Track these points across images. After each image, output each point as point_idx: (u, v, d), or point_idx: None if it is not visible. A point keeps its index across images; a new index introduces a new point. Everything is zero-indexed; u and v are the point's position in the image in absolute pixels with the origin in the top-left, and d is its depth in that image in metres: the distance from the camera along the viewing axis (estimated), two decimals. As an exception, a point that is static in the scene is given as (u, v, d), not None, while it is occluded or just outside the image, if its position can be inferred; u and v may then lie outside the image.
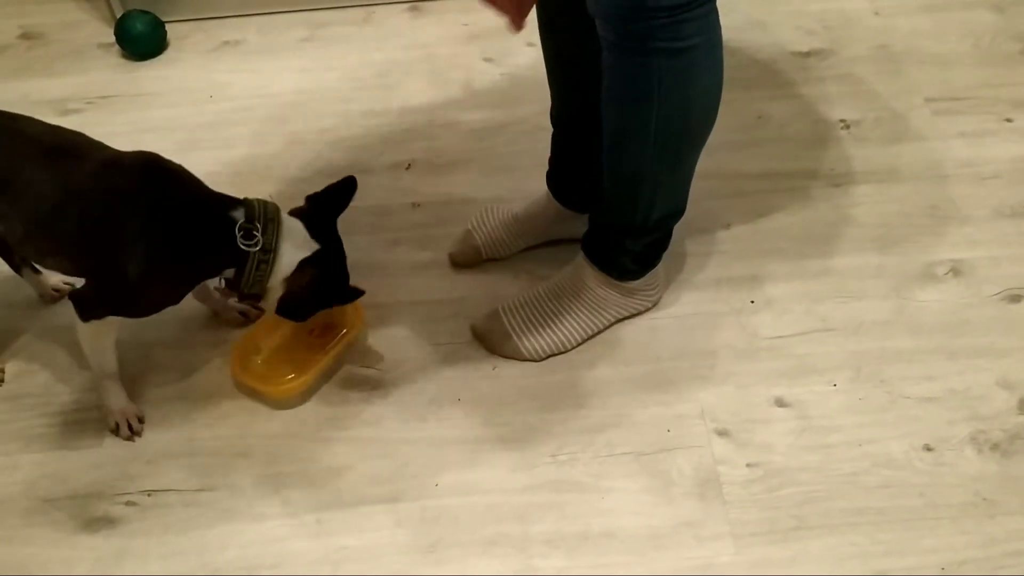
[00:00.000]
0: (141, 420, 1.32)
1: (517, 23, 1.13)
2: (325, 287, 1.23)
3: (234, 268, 1.18)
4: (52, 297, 1.47)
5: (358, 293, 1.25)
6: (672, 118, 1.14)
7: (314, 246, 1.21)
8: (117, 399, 1.31)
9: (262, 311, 1.40)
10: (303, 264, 1.20)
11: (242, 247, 1.16)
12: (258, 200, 1.20)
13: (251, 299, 1.27)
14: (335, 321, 1.35)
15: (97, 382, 1.31)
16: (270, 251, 1.18)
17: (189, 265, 1.20)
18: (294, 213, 1.23)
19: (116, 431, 1.31)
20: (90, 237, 1.15)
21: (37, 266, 1.41)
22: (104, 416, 1.31)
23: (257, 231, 1.17)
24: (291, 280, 1.20)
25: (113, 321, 1.23)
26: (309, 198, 1.25)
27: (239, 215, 1.17)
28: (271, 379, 1.32)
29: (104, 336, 1.27)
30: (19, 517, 1.24)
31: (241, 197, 1.20)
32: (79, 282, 1.23)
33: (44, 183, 1.16)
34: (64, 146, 1.20)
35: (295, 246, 1.20)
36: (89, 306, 1.22)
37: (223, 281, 1.21)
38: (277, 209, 1.21)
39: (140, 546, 1.21)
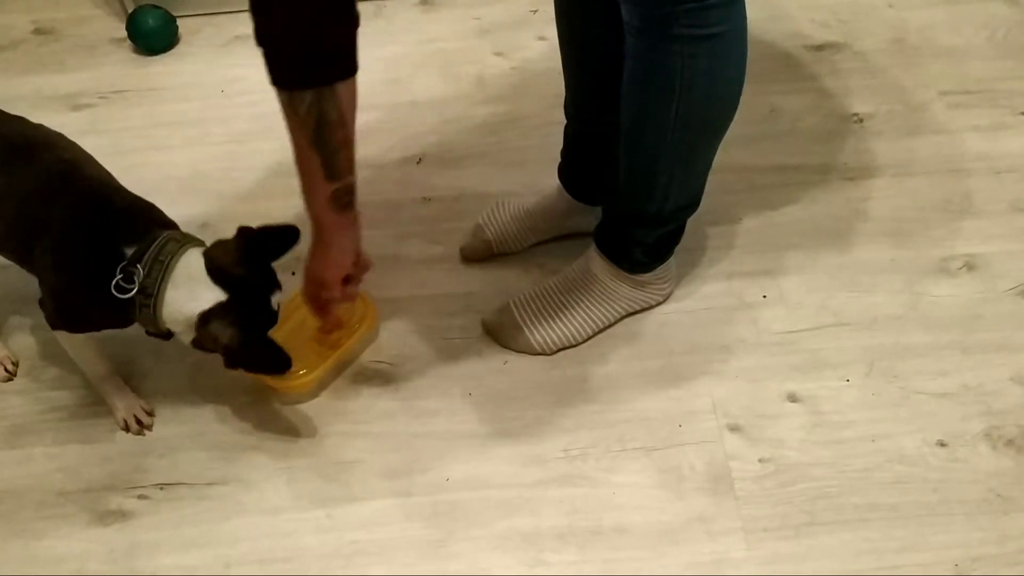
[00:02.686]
0: (150, 413, 1.32)
1: None
2: (242, 347, 1.10)
3: None
4: None
5: (284, 364, 1.11)
6: (693, 107, 1.13)
7: (218, 296, 1.08)
8: (120, 397, 1.31)
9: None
10: (206, 315, 1.08)
11: (116, 289, 1.08)
12: (166, 236, 1.11)
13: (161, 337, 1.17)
14: (346, 316, 1.35)
15: (94, 386, 1.32)
16: (152, 295, 1.08)
17: (87, 297, 1.13)
18: (211, 252, 1.11)
19: (126, 428, 1.31)
20: (16, 241, 1.17)
21: None
22: (113, 414, 1.32)
23: (137, 274, 1.08)
24: (200, 334, 1.09)
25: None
26: (240, 233, 1.13)
27: (130, 251, 1.09)
28: (279, 376, 1.32)
29: (80, 344, 1.26)
30: (32, 510, 1.24)
31: (167, 224, 1.17)
32: None
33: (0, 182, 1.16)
34: (24, 145, 1.18)
35: (187, 294, 1.08)
36: (46, 314, 1.21)
37: None
38: (178, 249, 1.10)
39: (153, 539, 1.21)
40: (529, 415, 1.31)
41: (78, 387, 1.36)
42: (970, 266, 1.47)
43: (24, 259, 1.19)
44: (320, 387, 1.35)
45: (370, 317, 1.38)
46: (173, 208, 1.23)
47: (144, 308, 1.10)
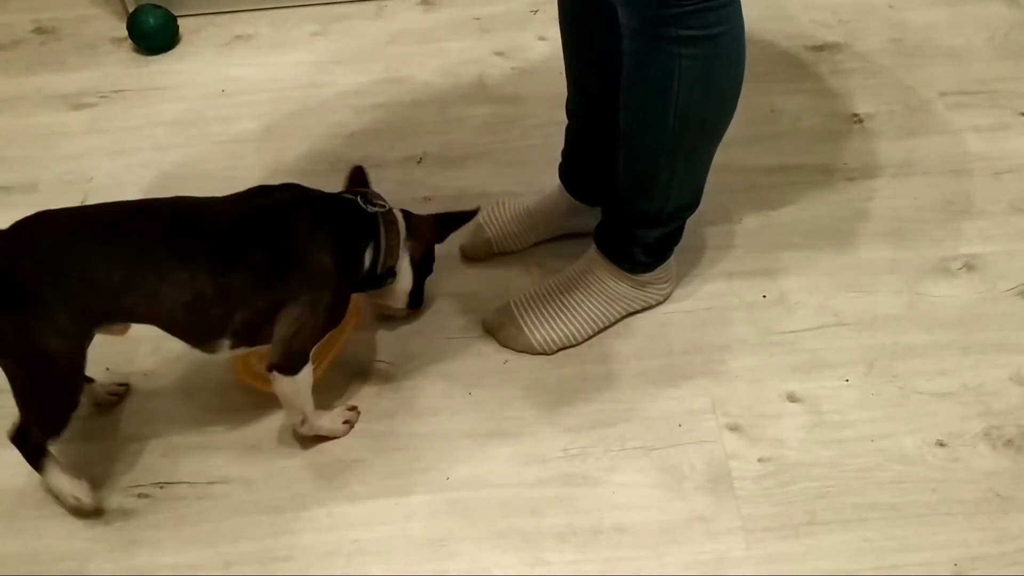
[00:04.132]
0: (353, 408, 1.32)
1: None
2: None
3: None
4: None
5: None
6: (691, 109, 1.13)
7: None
8: (337, 414, 1.31)
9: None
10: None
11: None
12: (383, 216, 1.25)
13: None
14: None
15: (310, 419, 1.27)
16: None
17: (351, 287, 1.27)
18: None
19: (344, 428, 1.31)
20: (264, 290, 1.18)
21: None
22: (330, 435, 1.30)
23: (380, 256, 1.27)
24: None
25: None
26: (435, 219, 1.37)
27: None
28: None
29: (308, 378, 1.24)
30: (33, 508, 1.24)
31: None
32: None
33: None
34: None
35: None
36: (297, 356, 1.22)
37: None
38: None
39: (153, 538, 1.21)
40: (529, 414, 1.31)
41: (79, 386, 1.36)
42: (970, 266, 1.47)
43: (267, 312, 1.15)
44: (317, 386, 1.35)
45: (355, 315, 1.38)
46: (174, 207, 1.23)
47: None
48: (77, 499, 1.21)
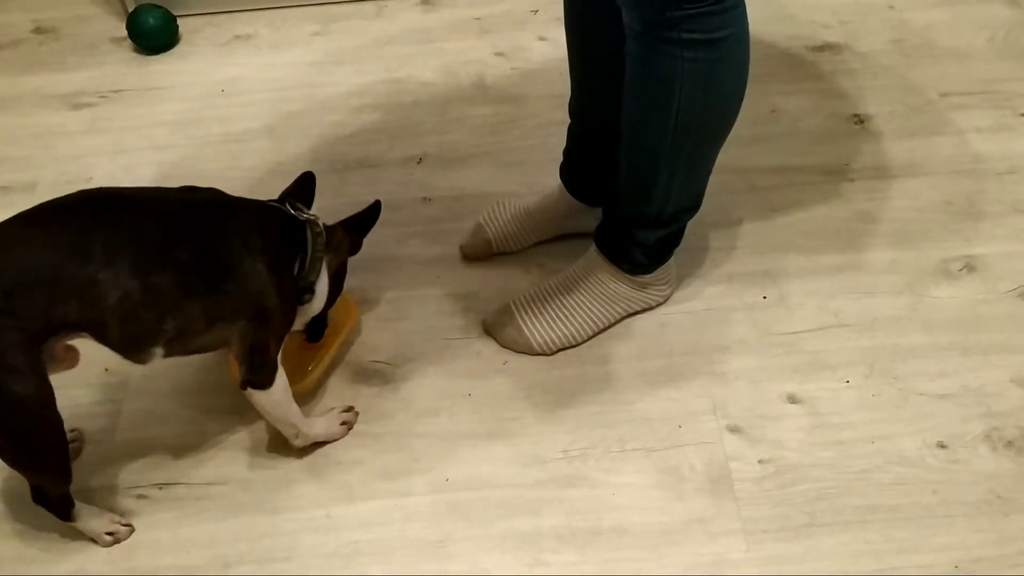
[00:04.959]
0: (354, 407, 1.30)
1: None
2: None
3: None
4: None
5: None
6: (694, 112, 1.13)
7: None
8: (331, 418, 1.30)
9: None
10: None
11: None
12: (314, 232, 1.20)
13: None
14: (328, 317, 1.35)
15: (304, 429, 1.25)
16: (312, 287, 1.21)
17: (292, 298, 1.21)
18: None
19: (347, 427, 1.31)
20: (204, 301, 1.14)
21: None
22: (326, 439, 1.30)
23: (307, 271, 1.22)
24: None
25: None
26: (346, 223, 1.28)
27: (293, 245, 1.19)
28: None
29: (285, 389, 1.21)
30: (31, 509, 1.23)
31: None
32: None
33: None
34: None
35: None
36: (265, 367, 1.19)
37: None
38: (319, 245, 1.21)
39: (152, 539, 1.21)
40: (529, 415, 1.31)
41: (77, 386, 1.36)
42: (970, 267, 1.47)
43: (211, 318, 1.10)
44: (314, 390, 1.35)
45: (352, 317, 1.38)
46: (173, 207, 1.23)
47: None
48: (112, 534, 1.20)
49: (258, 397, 1.17)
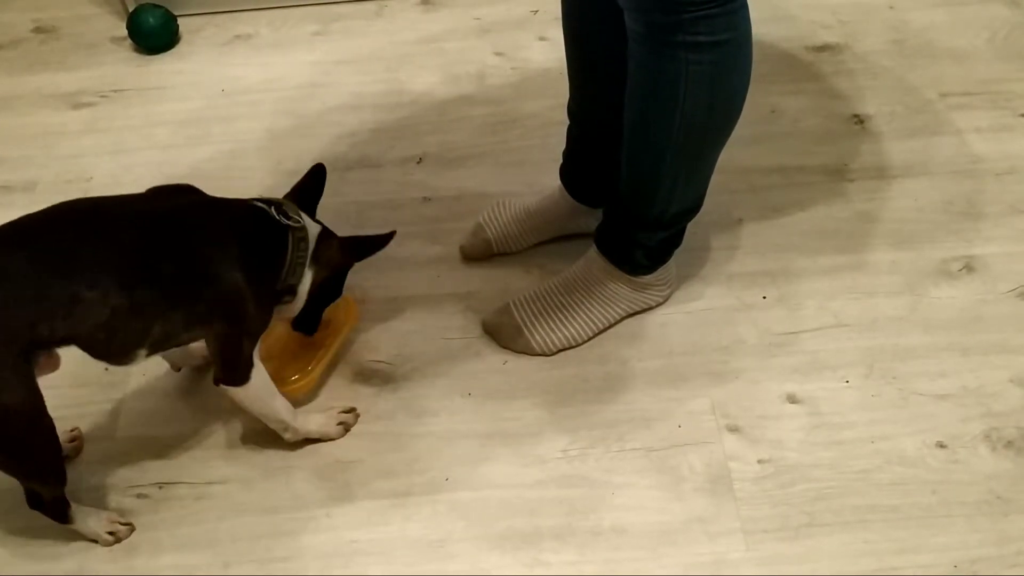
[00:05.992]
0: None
1: None
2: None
3: None
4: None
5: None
6: (696, 114, 1.13)
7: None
8: (330, 417, 1.30)
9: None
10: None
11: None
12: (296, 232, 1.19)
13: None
14: (329, 317, 1.35)
15: (294, 426, 1.26)
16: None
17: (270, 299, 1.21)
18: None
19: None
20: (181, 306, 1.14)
21: None
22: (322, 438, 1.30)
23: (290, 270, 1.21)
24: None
25: None
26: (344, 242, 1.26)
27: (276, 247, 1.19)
28: (276, 381, 1.31)
29: (266, 382, 1.21)
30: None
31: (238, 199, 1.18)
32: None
33: None
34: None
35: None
36: (240, 365, 1.19)
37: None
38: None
39: (152, 538, 1.21)
40: (529, 415, 1.31)
41: (77, 386, 1.36)
42: (970, 268, 1.47)
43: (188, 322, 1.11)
44: (314, 390, 1.35)
45: (352, 316, 1.38)
46: (173, 207, 1.23)
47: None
48: (112, 534, 1.20)
49: (234, 393, 1.18)
